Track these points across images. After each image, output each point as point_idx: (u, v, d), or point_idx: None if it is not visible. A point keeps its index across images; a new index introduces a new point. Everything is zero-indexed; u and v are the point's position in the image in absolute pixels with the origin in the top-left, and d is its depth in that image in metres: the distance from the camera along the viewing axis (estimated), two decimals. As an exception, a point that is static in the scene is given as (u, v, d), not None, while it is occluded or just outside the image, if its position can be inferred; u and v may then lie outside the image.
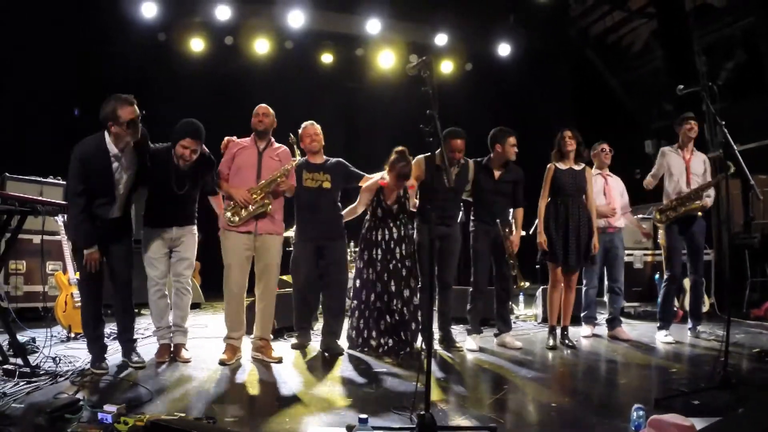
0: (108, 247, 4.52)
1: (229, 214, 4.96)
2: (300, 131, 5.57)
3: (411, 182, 5.52)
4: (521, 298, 8.39)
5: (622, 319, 7.27)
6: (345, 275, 5.79)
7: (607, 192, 6.53)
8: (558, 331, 5.89)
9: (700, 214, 6.14)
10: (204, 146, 4.83)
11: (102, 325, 4.59)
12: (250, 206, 4.92)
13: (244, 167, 5.08)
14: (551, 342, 5.76)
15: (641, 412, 3.08)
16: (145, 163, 4.63)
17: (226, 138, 5.27)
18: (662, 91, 9.73)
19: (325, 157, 5.67)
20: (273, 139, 5.29)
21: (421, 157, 5.65)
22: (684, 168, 6.17)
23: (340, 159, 5.72)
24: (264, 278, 5.15)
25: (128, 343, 4.74)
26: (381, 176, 5.49)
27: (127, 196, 4.60)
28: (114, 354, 4.92)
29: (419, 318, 5.41)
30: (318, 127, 5.64)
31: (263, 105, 5.31)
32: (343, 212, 5.67)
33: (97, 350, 4.47)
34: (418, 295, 5.46)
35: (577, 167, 5.86)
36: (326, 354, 5.33)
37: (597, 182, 6.46)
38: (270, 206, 4.94)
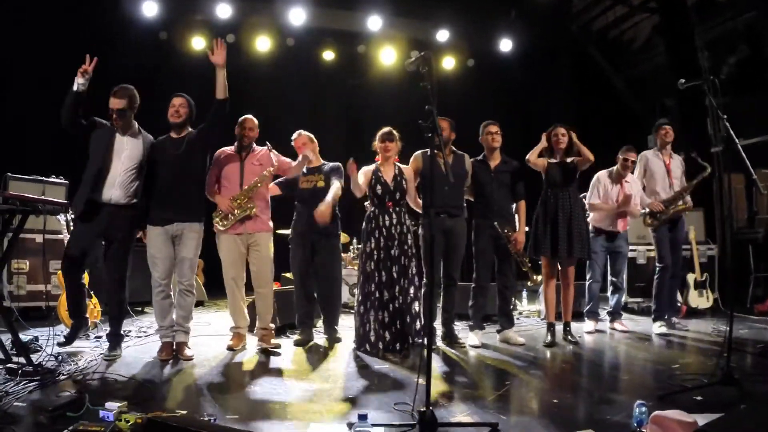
0: (109, 243, 4.86)
1: (218, 219, 5.32)
2: (293, 142, 5.82)
3: (410, 170, 5.61)
4: (524, 294, 8.37)
5: (626, 314, 7.29)
6: (338, 269, 5.99)
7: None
8: (559, 327, 5.90)
9: (686, 213, 6.48)
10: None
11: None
12: (236, 211, 5.24)
13: (228, 175, 5.41)
14: (549, 339, 5.71)
15: (643, 408, 3.07)
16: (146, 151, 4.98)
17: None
18: (665, 87, 9.69)
19: (322, 161, 5.85)
20: (254, 144, 5.55)
21: (418, 153, 5.74)
22: (665, 171, 6.48)
23: (338, 164, 5.84)
24: (259, 272, 5.42)
25: (115, 338, 4.96)
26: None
27: (128, 181, 4.81)
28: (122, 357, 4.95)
29: (414, 312, 5.38)
30: (307, 135, 5.82)
31: (250, 117, 5.55)
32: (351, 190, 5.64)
33: (75, 327, 4.96)
34: (417, 289, 5.44)
35: (567, 159, 5.85)
36: (327, 343, 5.65)
37: (613, 189, 6.54)
38: (254, 209, 5.27)
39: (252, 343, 5.52)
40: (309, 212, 5.59)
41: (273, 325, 5.60)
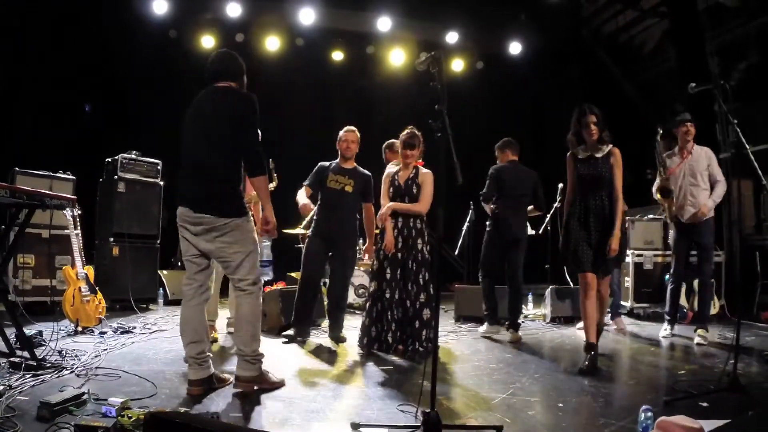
0: None
1: None
2: (342, 134, 5.85)
3: (429, 175, 5.48)
4: (530, 297, 8.35)
5: (631, 320, 7.28)
6: (350, 274, 6.04)
7: None
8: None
9: (703, 213, 6.00)
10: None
11: None
12: None
13: None
14: (586, 364, 4.71)
15: (649, 414, 3.05)
16: None
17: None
18: (674, 92, 9.65)
19: (356, 164, 5.89)
20: None
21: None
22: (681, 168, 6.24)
23: (370, 174, 5.93)
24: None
25: None
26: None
27: None
28: (120, 349, 4.95)
29: (425, 318, 5.28)
30: (357, 134, 5.85)
31: None
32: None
33: None
34: (429, 296, 5.32)
35: (598, 153, 4.86)
36: (332, 343, 5.68)
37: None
38: None
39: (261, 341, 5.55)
40: (331, 215, 5.72)
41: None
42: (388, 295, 5.30)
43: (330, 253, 5.82)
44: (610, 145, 4.89)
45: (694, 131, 6.16)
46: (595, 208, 4.84)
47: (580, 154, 4.95)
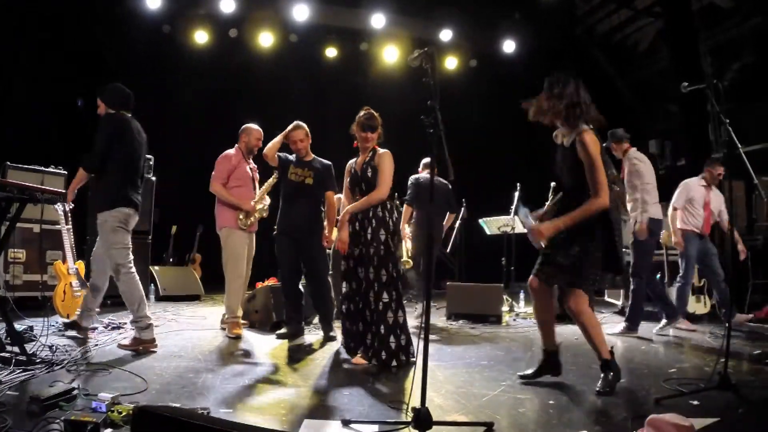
0: None
1: (242, 217, 5.79)
2: (289, 131, 5.68)
3: (387, 157, 4.92)
4: (522, 295, 8.35)
5: (621, 317, 7.32)
6: (324, 266, 5.88)
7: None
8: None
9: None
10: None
11: None
12: (262, 210, 5.96)
13: (245, 182, 5.94)
14: (601, 384, 4.01)
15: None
16: None
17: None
18: (668, 91, 9.68)
19: (314, 155, 5.78)
20: None
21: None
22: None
23: (330, 163, 5.80)
24: (249, 267, 6.03)
25: None
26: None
27: None
28: (111, 345, 4.94)
29: (389, 320, 4.63)
30: (303, 132, 5.66)
31: (258, 129, 6.03)
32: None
33: None
34: (391, 297, 4.68)
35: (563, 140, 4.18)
36: (323, 339, 5.68)
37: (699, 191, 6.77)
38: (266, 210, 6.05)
39: (252, 337, 5.67)
40: (292, 210, 5.60)
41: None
42: (348, 298, 4.89)
43: (299, 251, 5.59)
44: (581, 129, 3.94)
45: (616, 148, 6.59)
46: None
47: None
